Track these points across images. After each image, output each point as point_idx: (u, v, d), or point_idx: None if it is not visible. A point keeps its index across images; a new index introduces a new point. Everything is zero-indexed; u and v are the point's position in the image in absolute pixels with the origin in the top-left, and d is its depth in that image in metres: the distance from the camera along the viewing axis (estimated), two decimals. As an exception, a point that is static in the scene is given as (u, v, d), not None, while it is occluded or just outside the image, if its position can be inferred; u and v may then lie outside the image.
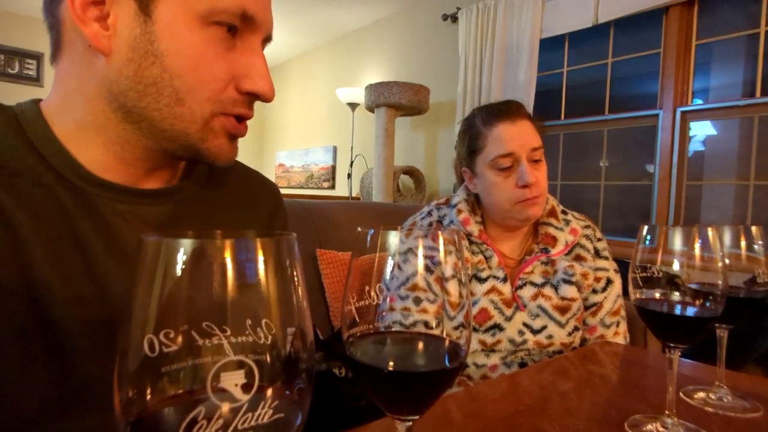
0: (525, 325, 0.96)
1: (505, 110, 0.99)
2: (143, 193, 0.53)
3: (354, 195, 4.04)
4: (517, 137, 0.97)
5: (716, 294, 0.50)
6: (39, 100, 0.52)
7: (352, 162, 4.06)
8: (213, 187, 0.60)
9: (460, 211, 1.04)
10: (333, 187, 4.73)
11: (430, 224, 1.06)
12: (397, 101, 3.11)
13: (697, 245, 0.51)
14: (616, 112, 2.69)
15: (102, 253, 0.48)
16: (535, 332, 0.95)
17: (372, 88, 3.20)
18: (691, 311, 0.51)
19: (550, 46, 2.89)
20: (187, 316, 0.23)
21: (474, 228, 1.02)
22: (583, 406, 0.64)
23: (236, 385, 0.19)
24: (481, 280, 0.98)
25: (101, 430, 0.47)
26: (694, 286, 0.51)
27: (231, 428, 0.19)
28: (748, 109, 2.25)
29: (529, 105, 2.80)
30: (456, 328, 0.45)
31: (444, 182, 3.52)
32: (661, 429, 0.53)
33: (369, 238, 0.34)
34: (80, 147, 0.49)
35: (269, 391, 0.21)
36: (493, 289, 0.98)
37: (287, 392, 0.22)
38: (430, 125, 3.62)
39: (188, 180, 0.58)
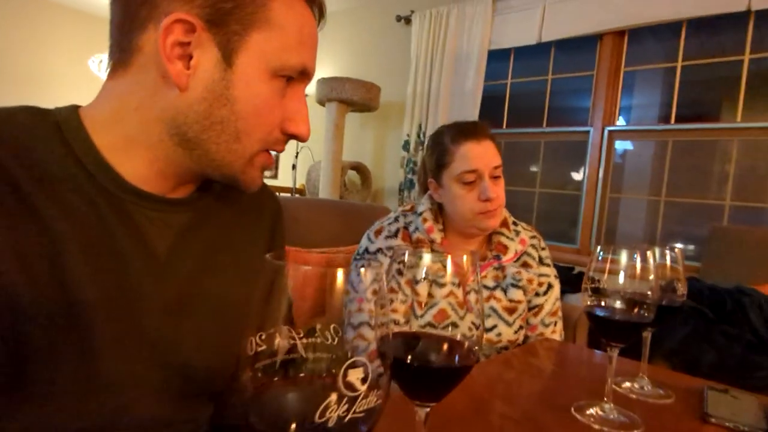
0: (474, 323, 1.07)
1: (472, 130, 1.10)
2: (170, 201, 0.56)
3: (298, 186, 4.03)
4: (482, 156, 1.07)
5: (649, 304, 0.62)
6: (78, 107, 0.53)
7: (297, 153, 4.05)
8: (225, 196, 0.64)
9: (425, 220, 1.13)
10: (276, 176, 4.68)
11: (397, 230, 1.14)
12: (349, 97, 3.15)
13: (637, 263, 0.63)
14: (553, 126, 2.93)
15: (135, 257, 0.51)
16: (486, 331, 1.07)
17: (324, 83, 3.21)
18: (629, 318, 0.62)
19: (496, 57, 3.07)
20: (281, 322, 0.29)
21: (437, 236, 1.12)
22: (534, 394, 0.75)
23: (358, 379, 0.26)
24: (441, 285, 1.08)
25: (113, 414, 0.50)
26: (632, 298, 0.63)
27: (351, 411, 0.26)
28: (664, 133, 2.55)
29: (475, 112, 2.96)
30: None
31: (390, 180, 3.61)
32: (600, 413, 0.65)
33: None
34: (122, 158, 0.52)
35: (371, 383, 0.27)
36: (451, 293, 1.08)
37: (379, 383, 0.28)
38: (379, 123, 3.70)
39: (206, 190, 0.62)
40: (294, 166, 4.00)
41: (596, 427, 0.62)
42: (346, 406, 0.26)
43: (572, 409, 0.67)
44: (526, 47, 2.91)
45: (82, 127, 0.51)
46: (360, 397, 0.26)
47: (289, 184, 4.28)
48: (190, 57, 0.49)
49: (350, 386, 0.26)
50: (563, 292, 1.59)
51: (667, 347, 1.40)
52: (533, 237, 1.19)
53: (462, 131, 1.10)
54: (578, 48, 2.82)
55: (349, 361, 0.26)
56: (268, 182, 4.66)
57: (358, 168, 3.61)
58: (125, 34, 0.50)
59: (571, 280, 2.28)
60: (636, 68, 2.69)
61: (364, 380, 0.26)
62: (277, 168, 4.66)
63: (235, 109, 0.51)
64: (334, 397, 0.25)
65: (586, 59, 2.76)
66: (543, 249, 1.19)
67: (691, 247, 2.43)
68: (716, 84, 2.60)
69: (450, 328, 1.19)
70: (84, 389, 0.48)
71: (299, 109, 0.56)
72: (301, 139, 0.58)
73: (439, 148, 1.12)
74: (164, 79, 0.50)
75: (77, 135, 0.50)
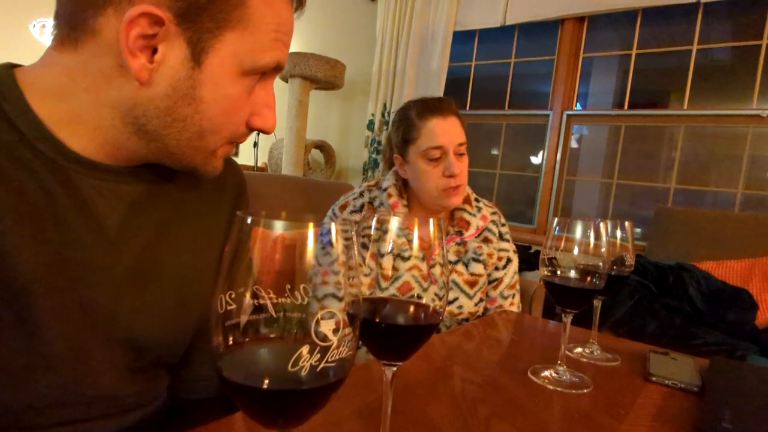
0: (436, 295, 1.11)
1: (438, 106, 1.11)
2: (120, 171, 0.53)
3: (260, 165, 3.95)
4: (447, 132, 1.09)
5: (600, 273, 0.66)
6: (13, 66, 0.49)
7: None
8: None
9: (390, 195, 1.14)
10: (236, 154, 4.56)
11: (362, 205, 1.14)
12: (313, 74, 3.09)
13: (591, 235, 0.66)
14: (514, 109, 2.99)
15: (82, 230, 0.49)
16: (448, 303, 1.11)
17: (287, 57, 3.13)
18: (582, 285, 0.66)
19: (461, 39, 3.09)
20: (255, 281, 0.30)
21: (401, 211, 1.13)
22: (493, 360, 0.79)
23: (330, 329, 0.27)
24: (405, 259, 1.10)
25: (62, 388, 0.49)
26: (585, 267, 0.66)
27: (324, 361, 0.26)
28: (618, 118, 2.66)
29: (440, 93, 2.98)
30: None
31: (354, 159, 3.60)
32: (554, 375, 0.69)
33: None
34: (66, 132, 0.48)
35: (343, 334, 0.28)
36: (414, 266, 1.11)
37: (350, 339, 0.29)
38: (344, 101, 3.66)
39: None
40: (255, 144, 3.91)
41: (550, 387, 0.66)
42: (318, 356, 0.26)
43: (528, 372, 0.70)
44: (491, 30, 2.94)
45: (17, 88, 0.47)
46: (332, 347, 0.27)
47: (250, 162, 4.18)
48: (154, 49, 0.46)
49: (323, 336, 0.26)
50: (521, 269, 1.65)
51: (614, 318, 1.49)
52: (494, 213, 1.23)
53: (428, 107, 1.11)
54: (540, 33, 2.87)
55: (322, 312, 0.27)
56: (228, 160, 4.55)
57: (322, 147, 3.57)
58: (79, 11, 0.46)
59: (528, 259, 2.37)
60: (594, 54, 2.78)
61: (335, 331, 0.27)
62: (237, 145, 4.54)
63: (201, 108, 0.49)
64: (306, 347, 0.26)
65: (548, 44, 2.82)
66: (503, 225, 1.24)
67: (639, 230, 2.56)
68: (666, 73, 2.73)
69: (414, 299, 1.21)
70: (29, 364, 0.47)
71: (267, 103, 0.54)
72: (266, 132, 0.56)
73: (405, 123, 1.13)
74: (122, 69, 0.46)
75: (12, 96, 0.46)
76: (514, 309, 1.20)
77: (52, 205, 0.47)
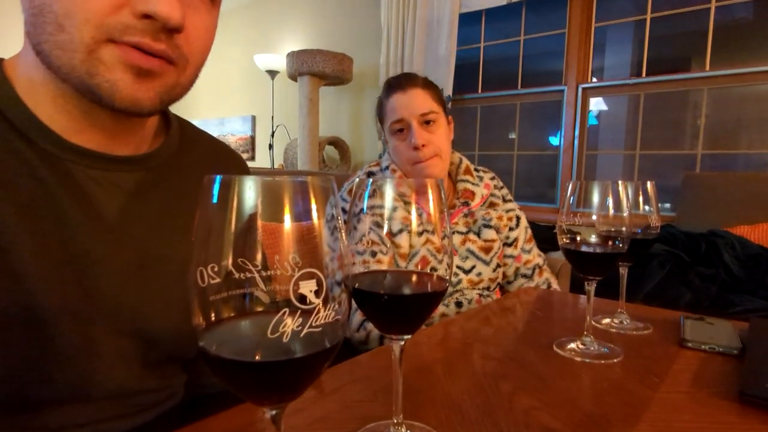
0: (458, 267, 1.09)
1: (397, 82, 1.13)
2: (115, 159, 0.52)
3: (276, 166, 3.97)
4: (407, 105, 1.10)
5: (622, 237, 0.62)
6: (1, 60, 0.49)
7: (273, 132, 3.97)
8: (183, 157, 0.60)
9: (394, 171, 1.13)
10: (253, 158, 4.60)
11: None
12: (321, 70, 3.08)
13: (610, 198, 0.62)
14: (527, 87, 2.91)
15: (80, 220, 0.48)
16: (466, 272, 1.09)
17: (294, 56, 3.13)
18: (603, 250, 0.62)
19: (468, 21, 3.02)
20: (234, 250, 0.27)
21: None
22: (517, 336, 0.75)
23: (311, 291, 0.24)
24: (419, 234, 1.09)
25: (75, 384, 0.48)
26: (606, 230, 0.62)
27: (307, 326, 0.24)
28: (636, 87, 2.56)
29: (449, 78, 2.92)
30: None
31: (369, 153, 3.58)
32: (581, 346, 0.65)
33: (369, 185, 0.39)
34: (37, 106, 0.47)
35: (326, 296, 0.26)
36: (428, 241, 1.09)
37: (338, 302, 0.27)
38: (354, 95, 3.64)
39: (159, 148, 0.57)
40: (271, 146, 3.93)
41: (578, 359, 0.62)
42: (300, 320, 0.24)
43: (554, 345, 0.67)
44: (497, 9, 2.87)
45: (6, 80, 0.46)
46: (315, 311, 0.25)
47: (266, 164, 4.20)
48: None
49: (302, 299, 0.24)
50: (545, 249, 1.61)
51: (645, 291, 1.43)
52: (492, 178, 1.24)
53: (391, 84, 1.14)
54: (549, 7, 2.79)
55: (301, 272, 0.24)
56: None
57: (336, 143, 3.56)
58: None
59: (552, 239, 2.30)
60: (606, 23, 2.68)
61: (317, 293, 0.25)
62: (254, 149, 4.58)
63: None
64: (286, 310, 0.24)
65: (557, 18, 2.73)
66: (501, 188, 1.25)
67: (668, 205, 2.46)
68: (685, 37, 2.61)
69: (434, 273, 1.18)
70: (40, 359, 0.46)
71: None
72: (162, 19, 0.42)
73: (378, 103, 1.18)
74: None
75: (1, 89, 0.46)
76: (540, 261, 1.19)
77: (48, 197, 0.46)
